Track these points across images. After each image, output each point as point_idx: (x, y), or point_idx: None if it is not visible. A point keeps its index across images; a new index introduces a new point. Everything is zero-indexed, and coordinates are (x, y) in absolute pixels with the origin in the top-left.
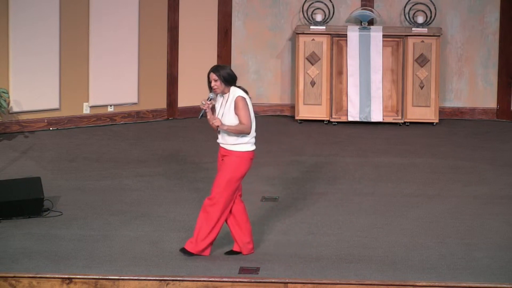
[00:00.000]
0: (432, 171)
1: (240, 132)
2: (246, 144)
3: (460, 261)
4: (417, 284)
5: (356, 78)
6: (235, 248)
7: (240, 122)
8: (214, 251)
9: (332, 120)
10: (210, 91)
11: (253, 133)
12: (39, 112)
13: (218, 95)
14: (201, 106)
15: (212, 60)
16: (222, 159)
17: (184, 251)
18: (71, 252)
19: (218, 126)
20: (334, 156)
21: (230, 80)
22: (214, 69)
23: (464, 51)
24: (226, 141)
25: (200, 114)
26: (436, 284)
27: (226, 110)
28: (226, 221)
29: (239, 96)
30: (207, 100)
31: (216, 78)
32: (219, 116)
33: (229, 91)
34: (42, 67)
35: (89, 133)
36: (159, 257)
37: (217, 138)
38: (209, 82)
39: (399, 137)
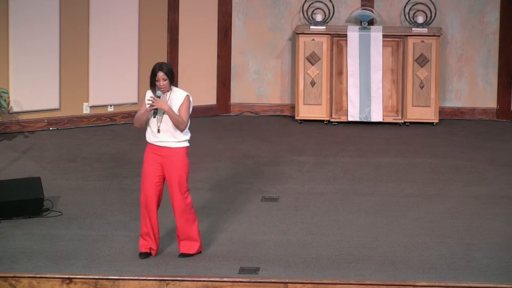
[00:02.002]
0: (432, 171)
1: (178, 123)
2: (186, 141)
3: (460, 261)
4: (417, 284)
5: (356, 78)
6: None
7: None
8: (214, 251)
9: (332, 120)
10: (153, 89)
11: (189, 131)
12: (39, 112)
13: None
14: (154, 104)
15: (212, 60)
16: (164, 161)
17: (183, 255)
18: (71, 252)
19: (159, 127)
20: (334, 156)
21: (173, 78)
22: (162, 68)
23: (464, 51)
24: (176, 138)
25: (153, 114)
26: (436, 284)
27: (170, 107)
28: (149, 214)
29: (188, 95)
30: (155, 97)
31: (165, 77)
32: (162, 114)
33: (171, 89)
34: (42, 67)
35: (89, 133)
36: (159, 257)
37: (151, 138)
38: (156, 81)
39: (399, 137)
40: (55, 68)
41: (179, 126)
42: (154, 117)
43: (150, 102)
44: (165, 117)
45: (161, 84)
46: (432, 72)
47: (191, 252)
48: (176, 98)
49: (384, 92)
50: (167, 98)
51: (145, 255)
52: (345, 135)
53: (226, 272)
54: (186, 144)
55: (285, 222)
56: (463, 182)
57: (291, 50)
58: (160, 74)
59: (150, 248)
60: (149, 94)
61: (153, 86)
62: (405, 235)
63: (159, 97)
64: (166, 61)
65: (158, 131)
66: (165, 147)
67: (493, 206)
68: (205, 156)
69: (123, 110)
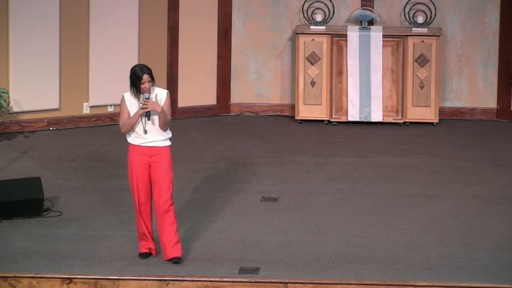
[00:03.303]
0: (432, 171)
1: (166, 123)
2: (170, 139)
3: (460, 261)
4: (417, 284)
5: (356, 78)
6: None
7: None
8: (214, 251)
9: (332, 120)
10: (133, 92)
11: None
12: (39, 112)
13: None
14: (148, 107)
15: (212, 60)
16: (152, 161)
17: (178, 259)
18: (71, 252)
19: (145, 128)
20: (334, 156)
21: (154, 79)
22: (145, 70)
23: (464, 51)
24: (163, 136)
25: (147, 116)
26: (436, 284)
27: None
28: (144, 217)
29: (168, 92)
30: (146, 99)
31: (150, 79)
32: (146, 114)
33: (151, 89)
34: (42, 67)
35: (89, 133)
36: (159, 257)
37: (136, 140)
38: (141, 84)
39: (399, 137)
40: (55, 68)
41: (166, 126)
42: (149, 119)
43: (142, 105)
44: (151, 117)
45: (147, 86)
46: (432, 72)
47: (180, 253)
48: (159, 97)
49: (384, 92)
50: (151, 98)
51: (145, 255)
52: (345, 135)
53: (226, 272)
54: (169, 143)
55: (285, 222)
56: (463, 182)
57: (291, 50)
58: (146, 77)
59: (150, 248)
60: (127, 97)
61: (134, 89)
62: (405, 235)
63: (147, 98)
64: (167, 61)
65: (145, 132)
66: (154, 146)
67: (493, 206)
68: (205, 156)
69: None
